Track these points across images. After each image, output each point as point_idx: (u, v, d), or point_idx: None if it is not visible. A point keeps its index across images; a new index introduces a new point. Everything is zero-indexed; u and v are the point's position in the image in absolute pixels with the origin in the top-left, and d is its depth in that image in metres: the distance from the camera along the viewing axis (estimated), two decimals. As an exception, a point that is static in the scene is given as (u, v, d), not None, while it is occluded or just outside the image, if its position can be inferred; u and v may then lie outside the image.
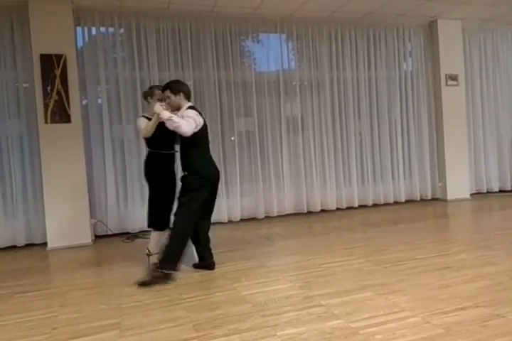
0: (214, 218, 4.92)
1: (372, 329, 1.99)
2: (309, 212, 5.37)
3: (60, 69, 4.20)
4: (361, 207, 5.62)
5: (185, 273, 3.07)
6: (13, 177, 4.33)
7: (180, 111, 3.05)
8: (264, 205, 5.19)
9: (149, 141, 3.29)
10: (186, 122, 2.88)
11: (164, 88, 3.12)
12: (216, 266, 3.16)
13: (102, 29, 4.64)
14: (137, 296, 2.63)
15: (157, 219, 3.32)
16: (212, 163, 3.17)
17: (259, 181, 5.17)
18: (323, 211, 5.43)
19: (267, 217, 5.19)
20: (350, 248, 3.55)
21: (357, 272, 2.88)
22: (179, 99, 3.09)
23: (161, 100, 3.14)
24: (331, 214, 5.34)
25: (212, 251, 3.22)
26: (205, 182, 3.03)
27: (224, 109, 5.08)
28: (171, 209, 3.29)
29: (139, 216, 4.71)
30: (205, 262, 3.17)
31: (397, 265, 2.99)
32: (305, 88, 5.42)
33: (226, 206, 5.02)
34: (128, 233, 4.67)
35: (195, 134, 2.96)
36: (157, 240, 3.33)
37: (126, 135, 4.70)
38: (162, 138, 3.21)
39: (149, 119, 3.22)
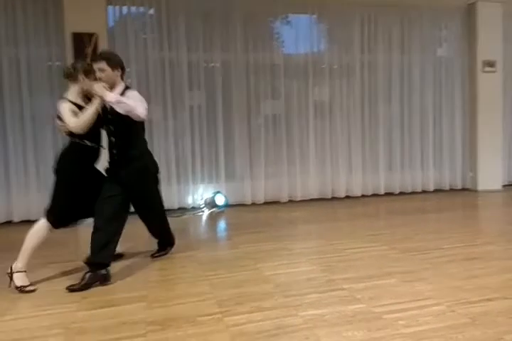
0: (237, 200, 5.05)
1: (396, 315, 1.98)
2: (333, 198, 5.32)
3: (91, 48, 4.25)
4: (387, 194, 5.51)
5: (208, 252, 3.13)
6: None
7: (115, 91, 2.47)
8: (288, 189, 5.17)
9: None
10: (141, 103, 2.42)
11: (98, 59, 2.46)
12: (239, 246, 3.21)
13: (133, 9, 4.64)
14: (163, 271, 2.71)
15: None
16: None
17: (285, 164, 5.15)
18: (347, 197, 5.36)
19: (290, 201, 5.18)
20: (374, 234, 3.51)
21: (381, 258, 2.86)
22: (116, 75, 2.47)
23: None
24: (356, 200, 5.28)
25: (235, 232, 3.26)
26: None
27: (251, 92, 5.03)
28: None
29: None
30: None
31: (423, 253, 2.94)
32: (334, 72, 5.29)
33: (250, 188, 5.04)
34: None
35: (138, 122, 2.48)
36: None
37: (155, 115, 4.73)
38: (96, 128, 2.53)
39: (77, 105, 2.45)
